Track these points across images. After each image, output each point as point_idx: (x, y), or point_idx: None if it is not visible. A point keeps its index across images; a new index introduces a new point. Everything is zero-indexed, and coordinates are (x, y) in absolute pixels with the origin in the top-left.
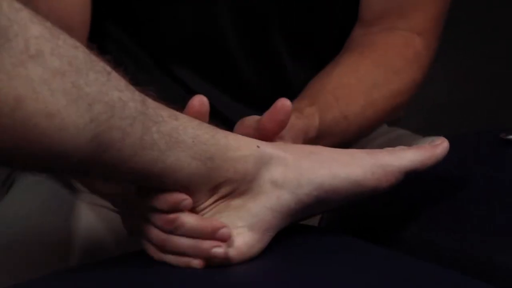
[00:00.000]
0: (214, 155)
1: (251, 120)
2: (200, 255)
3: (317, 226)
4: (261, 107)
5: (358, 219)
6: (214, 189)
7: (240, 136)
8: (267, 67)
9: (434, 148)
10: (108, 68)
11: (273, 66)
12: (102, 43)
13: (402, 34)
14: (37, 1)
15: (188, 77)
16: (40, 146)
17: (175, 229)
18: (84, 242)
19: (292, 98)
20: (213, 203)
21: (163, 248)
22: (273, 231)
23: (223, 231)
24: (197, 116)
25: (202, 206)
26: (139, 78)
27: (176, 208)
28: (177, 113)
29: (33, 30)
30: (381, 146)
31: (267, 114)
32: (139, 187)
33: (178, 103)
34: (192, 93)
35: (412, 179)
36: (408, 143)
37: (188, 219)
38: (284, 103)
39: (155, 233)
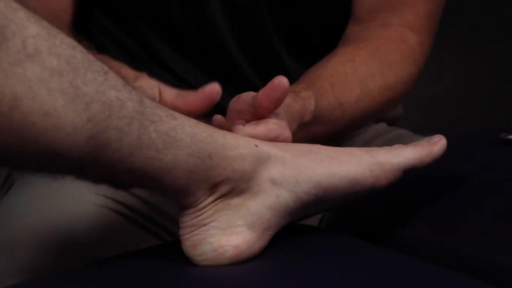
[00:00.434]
0: (212, 154)
1: (247, 96)
2: None
3: (317, 226)
4: None
5: (358, 220)
6: (213, 188)
7: (238, 135)
8: (262, 61)
9: (432, 146)
10: (106, 68)
11: (269, 61)
12: (88, 30)
13: (397, 30)
14: None
15: (179, 67)
16: (37, 146)
17: None
18: (84, 242)
19: None
20: (212, 202)
21: None
22: (272, 230)
23: None
24: (206, 99)
25: (202, 205)
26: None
27: None
28: (175, 113)
29: (30, 29)
30: (381, 145)
31: (263, 91)
32: None
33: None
34: (183, 82)
35: (412, 179)
36: (408, 143)
37: None
38: (281, 80)
39: None
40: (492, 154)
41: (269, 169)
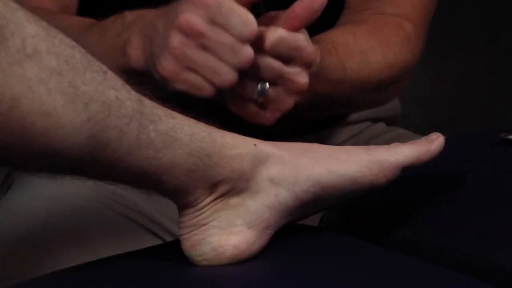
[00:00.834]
0: (211, 153)
1: (273, 12)
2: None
3: (317, 226)
4: None
5: (358, 220)
6: (212, 188)
7: (237, 135)
8: None
9: (430, 143)
10: (105, 68)
11: None
12: None
13: (393, 18)
14: None
15: None
16: (37, 145)
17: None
18: (84, 241)
19: None
20: (211, 201)
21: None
22: (272, 229)
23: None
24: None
25: (201, 205)
26: None
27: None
28: (173, 112)
29: (29, 29)
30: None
31: (299, 3)
32: None
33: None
34: None
35: (412, 180)
36: None
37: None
38: None
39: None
40: (492, 154)
41: (268, 168)
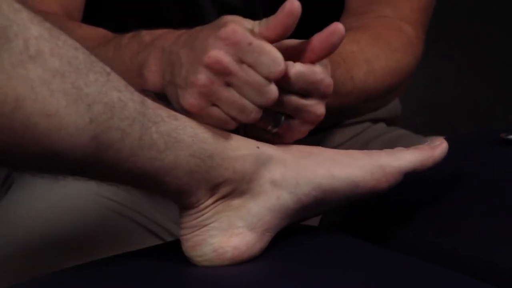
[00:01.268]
0: (213, 154)
1: (290, 41)
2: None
3: (317, 226)
4: None
5: (358, 220)
6: (214, 189)
7: (239, 137)
8: None
9: (433, 149)
10: (108, 69)
11: None
12: None
13: (393, 21)
14: None
15: None
16: (40, 146)
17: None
18: (84, 242)
19: None
20: (213, 203)
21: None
22: (272, 231)
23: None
24: (287, 17)
25: (202, 206)
26: None
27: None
28: (176, 113)
29: (33, 30)
30: (381, 145)
31: (319, 35)
32: None
33: None
34: None
35: (412, 180)
36: (408, 143)
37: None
38: (338, 26)
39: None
40: (492, 154)
41: (270, 170)
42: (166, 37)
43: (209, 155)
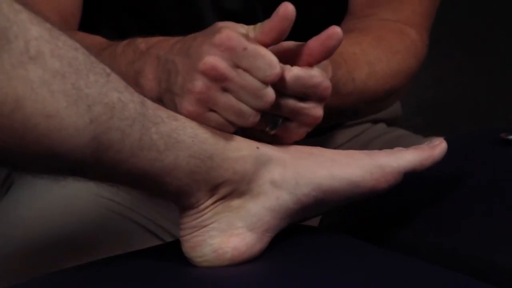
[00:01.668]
0: (213, 155)
1: (288, 44)
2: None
3: (317, 227)
4: None
5: (358, 220)
6: (213, 190)
7: (239, 137)
8: None
9: (433, 149)
10: (108, 70)
11: None
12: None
13: (396, 24)
14: None
15: None
16: (40, 147)
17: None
18: (84, 242)
19: None
20: (213, 203)
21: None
22: (272, 232)
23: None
24: (282, 20)
25: (202, 206)
26: None
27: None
28: (176, 114)
29: (33, 31)
30: (382, 145)
31: (316, 39)
32: None
33: None
34: None
35: (412, 180)
36: (408, 143)
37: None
38: (336, 29)
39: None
40: (492, 154)
41: (270, 171)
42: (161, 45)
43: (209, 155)
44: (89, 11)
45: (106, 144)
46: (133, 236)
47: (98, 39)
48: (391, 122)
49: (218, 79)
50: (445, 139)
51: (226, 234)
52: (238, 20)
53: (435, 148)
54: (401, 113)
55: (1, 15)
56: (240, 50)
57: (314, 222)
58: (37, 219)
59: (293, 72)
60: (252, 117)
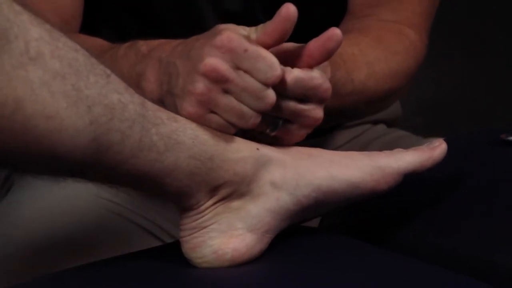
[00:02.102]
0: (214, 156)
1: (288, 45)
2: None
3: (317, 228)
4: None
5: (358, 221)
6: (213, 191)
7: (239, 138)
8: None
9: (432, 150)
10: (108, 71)
11: None
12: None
13: (395, 25)
14: None
15: None
16: (39, 148)
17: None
18: (84, 243)
19: None
20: (213, 204)
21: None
22: (272, 233)
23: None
24: (284, 21)
25: (202, 207)
26: None
27: None
28: (176, 115)
29: (33, 32)
30: (381, 146)
31: (316, 41)
32: None
33: None
34: None
35: (412, 181)
36: (408, 144)
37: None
38: (336, 31)
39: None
40: (492, 154)
41: (270, 172)
42: (162, 47)
43: (209, 157)
44: (89, 11)
45: (106, 145)
46: (133, 237)
47: (99, 42)
48: (391, 123)
49: (219, 81)
50: (444, 139)
51: (226, 235)
52: (238, 21)
53: (435, 150)
54: (401, 114)
55: (1, 15)
56: (241, 52)
57: (314, 223)
58: (37, 219)
59: (294, 74)
60: (253, 119)
